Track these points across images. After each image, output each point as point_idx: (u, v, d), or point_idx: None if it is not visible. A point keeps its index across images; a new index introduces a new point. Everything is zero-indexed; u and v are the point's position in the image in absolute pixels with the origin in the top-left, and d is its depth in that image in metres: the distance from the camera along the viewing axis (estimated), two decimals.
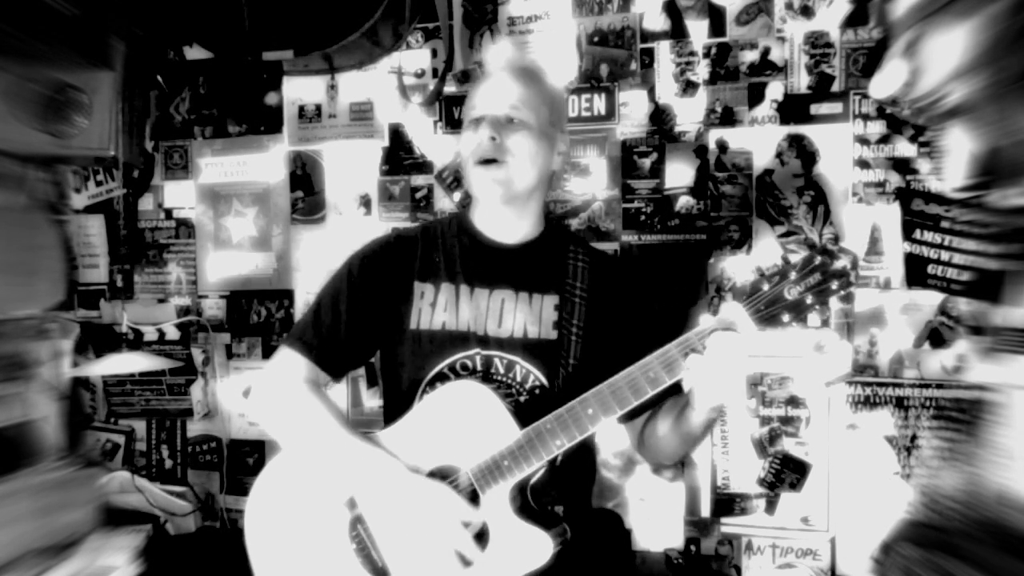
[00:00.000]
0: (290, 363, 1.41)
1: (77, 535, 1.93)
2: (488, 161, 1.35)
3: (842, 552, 2.05)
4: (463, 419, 1.27)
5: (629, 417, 1.42)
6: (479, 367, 1.37)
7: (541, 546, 1.23)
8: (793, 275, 1.13)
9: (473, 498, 1.26)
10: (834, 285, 1.12)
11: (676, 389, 1.33)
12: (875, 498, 2.00)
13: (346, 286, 1.43)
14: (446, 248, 1.46)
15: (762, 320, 1.14)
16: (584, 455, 1.47)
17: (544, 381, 1.36)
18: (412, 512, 1.23)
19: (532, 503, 1.28)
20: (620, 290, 1.45)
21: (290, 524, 1.37)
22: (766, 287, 1.14)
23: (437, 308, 1.40)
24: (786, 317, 1.13)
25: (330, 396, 1.42)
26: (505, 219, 1.44)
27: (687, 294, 2.12)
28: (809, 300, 1.12)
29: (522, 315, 1.39)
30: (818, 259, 1.13)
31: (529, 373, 1.36)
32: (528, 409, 1.30)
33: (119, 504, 2.31)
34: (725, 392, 1.14)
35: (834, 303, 2.04)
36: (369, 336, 1.44)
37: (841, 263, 1.12)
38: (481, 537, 1.24)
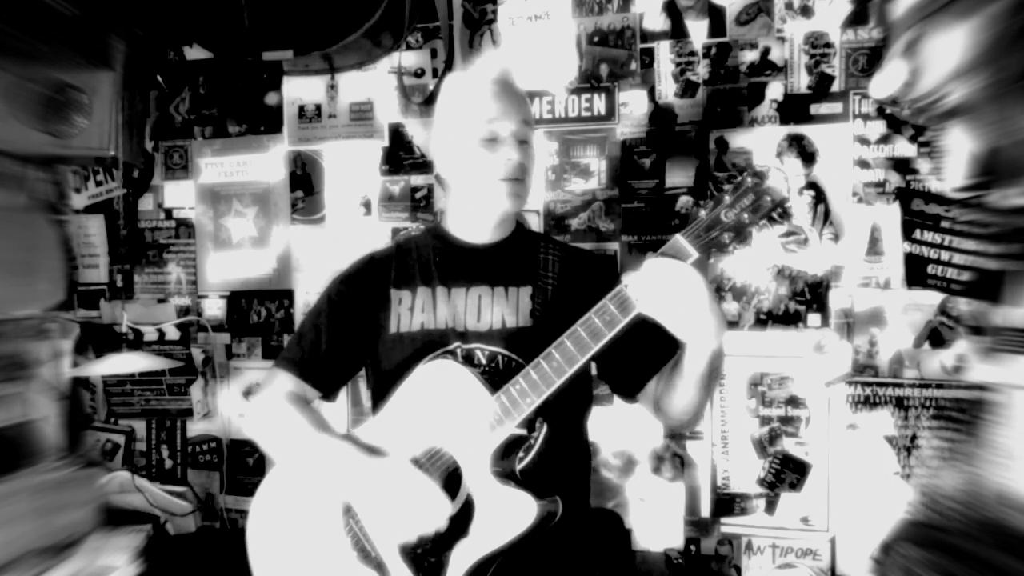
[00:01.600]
0: (277, 382, 1.46)
1: (77, 535, 1.93)
2: (513, 179, 1.40)
3: (842, 552, 2.05)
4: (438, 396, 1.29)
5: (634, 393, 1.43)
6: (460, 360, 1.38)
7: (524, 507, 1.22)
8: (727, 199, 1.14)
9: (456, 473, 1.27)
10: (767, 200, 1.12)
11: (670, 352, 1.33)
12: (875, 498, 2.00)
13: (326, 306, 1.50)
14: (420, 257, 1.51)
15: (705, 245, 1.15)
16: (574, 444, 1.48)
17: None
18: (387, 497, 1.24)
19: (516, 469, 1.29)
20: (590, 277, 1.47)
21: (288, 531, 1.39)
22: (702, 214, 1.15)
23: (415, 311, 1.44)
24: (727, 238, 1.14)
25: (312, 406, 1.45)
26: (490, 226, 1.48)
27: None
28: (747, 218, 1.13)
29: (499, 308, 1.42)
30: (749, 180, 1.13)
31: (512, 360, 1.37)
32: (502, 377, 1.31)
33: (119, 504, 2.31)
34: (684, 312, 1.13)
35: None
36: (351, 347, 1.48)
37: (771, 180, 1.13)
38: (468, 510, 1.25)
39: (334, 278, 1.54)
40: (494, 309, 1.42)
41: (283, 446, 1.40)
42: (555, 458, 1.35)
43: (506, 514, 1.24)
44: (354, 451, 1.30)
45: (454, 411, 1.27)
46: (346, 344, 1.47)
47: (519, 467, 1.31)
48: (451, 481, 1.28)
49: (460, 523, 1.24)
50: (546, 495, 1.28)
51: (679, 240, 1.16)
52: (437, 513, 1.23)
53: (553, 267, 1.46)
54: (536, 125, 2.16)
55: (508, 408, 1.23)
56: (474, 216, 1.49)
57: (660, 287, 1.13)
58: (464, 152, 1.43)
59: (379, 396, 1.46)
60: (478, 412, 1.25)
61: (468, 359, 1.38)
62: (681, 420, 1.38)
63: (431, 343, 1.39)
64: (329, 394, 1.51)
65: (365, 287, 1.48)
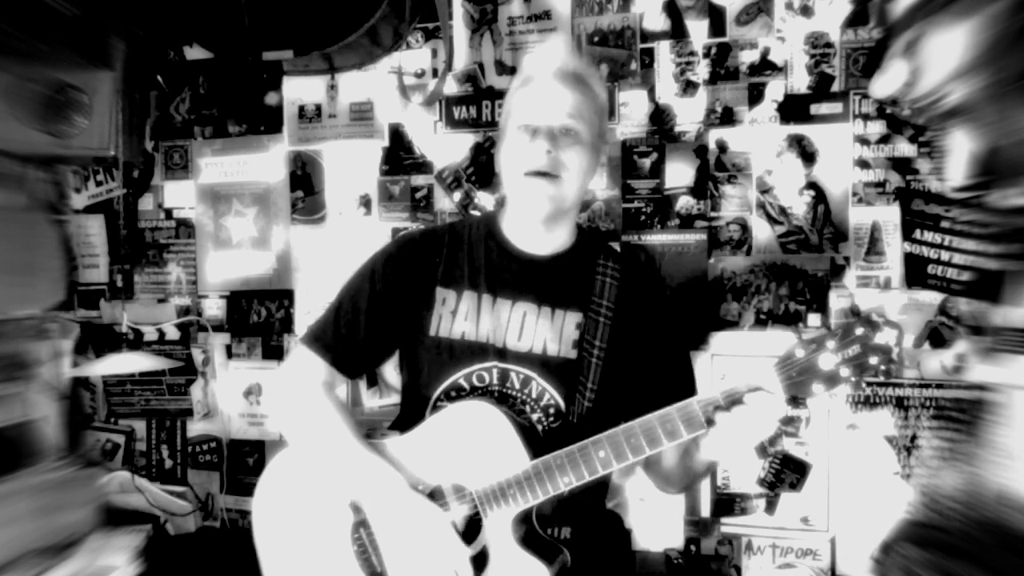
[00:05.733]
0: (308, 365, 1.41)
1: (77, 535, 1.93)
2: (541, 173, 1.30)
3: (842, 552, 2.04)
4: (474, 440, 1.26)
5: None
6: (495, 380, 1.36)
7: None
8: (831, 343, 1.07)
9: (476, 519, 1.26)
10: (874, 360, 1.05)
11: None
12: (875, 498, 2.00)
13: (368, 287, 1.41)
14: (472, 254, 1.43)
15: (792, 387, 1.09)
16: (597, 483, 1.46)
17: (560, 401, 1.35)
18: (412, 531, 1.24)
19: (537, 528, 1.27)
20: (647, 311, 1.42)
21: (296, 520, 1.38)
22: (801, 353, 1.09)
23: (458, 316, 1.38)
24: (817, 388, 1.08)
25: (343, 402, 1.45)
26: (539, 231, 1.40)
27: (690, 296, 2.12)
28: (844, 373, 1.07)
29: (543, 330, 1.37)
30: (859, 330, 1.06)
31: (544, 391, 1.35)
32: (543, 436, 1.30)
33: (119, 504, 2.31)
34: (741, 450, 1.13)
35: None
36: (388, 339, 1.44)
37: (884, 337, 1.05)
38: (482, 560, 1.24)
39: (380, 253, 1.46)
40: (537, 331, 1.37)
41: (313, 441, 1.36)
42: (575, 497, 1.32)
43: None
44: (390, 470, 1.28)
45: (489, 461, 1.25)
46: (384, 336, 1.42)
47: (537, 509, 1.29)
48: (471, 526, 1.27)
49: (473, 569, 1.23)
50: (559, 530, 1.29)
51: (772, 374, 1.11)
52: (452, 567, 1.22)
53: (608, 294, 1.38)
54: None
55: (544, 481, 1.21)
56: (518, 217, 1.41)
57: (737, 437, 1.11)
58: (504, 142, 1.38)
59: (409, 400, 1.45)
60: (513, 471, 1.23)
61: (502, 379, 1.35)
62: (666, 489, 1.42)
63: (469, 355, 1.36)
64: (356, 378, 1.51)
65: (411, 277, 1.41)
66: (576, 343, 1.36)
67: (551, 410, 1.35)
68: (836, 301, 2.03)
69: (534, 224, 1.39)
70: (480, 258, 1.42)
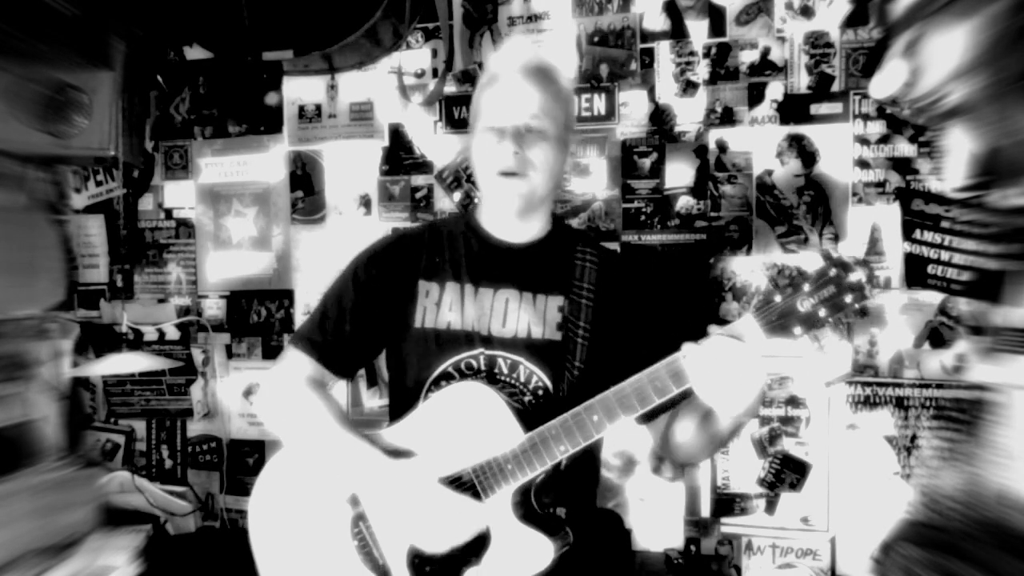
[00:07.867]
0: (296, 363, 1.42)
1: (77, 535, 1.93)
2: (509, 173, 1.34)
3: (842, 552, 2.05)
4: (467, 420, 1.27)
5: (649, 418, 1.42)
6: (483, 367, 1.37)
7: (543, 551, 1.22)
8: (806, 287, 1.10)
9: (477, 498, 1.26)
10: (848, 298, 1.08)
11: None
12: (875, 498, 2.00)
13: (351, 286, 1.44)
14: (452, 247, 1.46)
15: (773, 331, 1.11)
16: (588, 459, 1.46)
17: (548, 383, 1.36)
18: (407, 500, 1.23)
19: (535, 506, 1.27)
20: (628, 291, 1.44)
21: (293, 520, 1.38)
22: (778, 298, 1.11)
23: (442, 307, 1.41)
24: (797, 329, 1.10)
25: (333, 396, 1.43)
26: (514, 222, 1.44)
27: (692, 295, 2.12)
28: (822, 313, 1.09)
29: (526, 315, 1.39)
30: (832, 271, 1.09)
31: (532, 374, 1.36)
32: (533, 412, 1.30)
33: (119, 504, 2.31)
34: (734, 397, 1.12)
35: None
36: (374, 335, 1.46)
37: (856, 276, 1.08)
38: (483, 539, 1.25)
39: (361, 255, 1.48)
40: (520, 316, 1.39)
41: (302, 436, 1.38)
42: (570, 474, 1.33)
43: (522, 553, 1.23)
44: (378, 454, 1.28)
45: (483, 440, 1.25)
46: (370, 332, 1.44)
47: (534, 485, 1.29)
48: None
49: (473, 550, 1.24)
50: (555, 509, 1.28)
51: (750, 321, 1.12)
52: (465, 521, 1.22)
53: (589, 277, 1.41)
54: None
55: (541, 452, 1.22)
56: (491, 210, 1.45)
57: (720, 374, 1.10)
58: (474, 141, 1.41)
59: (399, 394, 1.46)
60: (508, 447, 1.23)
61: (490, 365, 1.36)
62: (690, 462, 1.40)
63: (455, 344, 1.37)
64: (345, 376, 1.49)
65: (393, 273, 1.43)
66: (560, 325, 1.38)
67: (540, 392, 1.36)
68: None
69: (509, 217, 1.43)
70: (460, 250, 1.45)
